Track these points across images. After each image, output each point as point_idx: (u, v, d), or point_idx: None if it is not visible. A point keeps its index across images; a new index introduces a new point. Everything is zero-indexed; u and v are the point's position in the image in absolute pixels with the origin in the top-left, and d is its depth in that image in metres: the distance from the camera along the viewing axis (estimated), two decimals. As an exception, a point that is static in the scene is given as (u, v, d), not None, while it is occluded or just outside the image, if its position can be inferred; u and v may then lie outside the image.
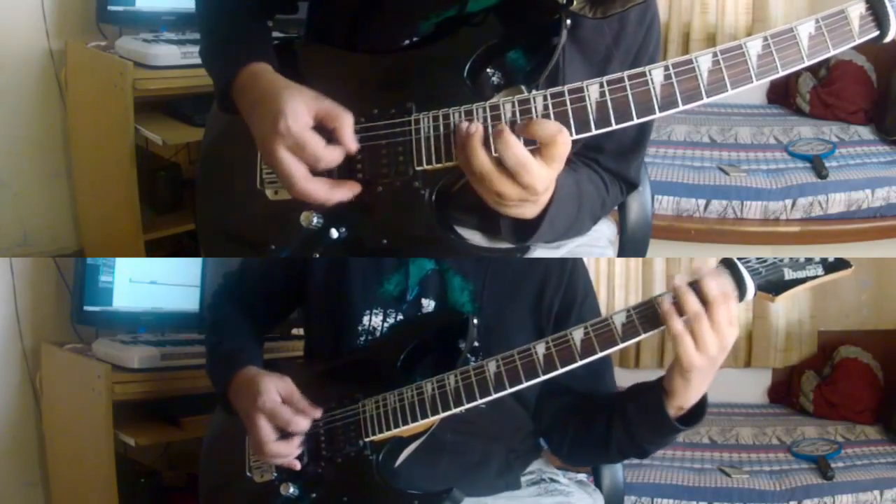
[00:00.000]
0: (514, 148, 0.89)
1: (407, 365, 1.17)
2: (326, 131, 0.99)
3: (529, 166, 0.89)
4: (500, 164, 0.91)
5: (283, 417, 1.14)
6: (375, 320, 1.23)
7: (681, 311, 1.01)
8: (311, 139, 0.98)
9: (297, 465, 1.17)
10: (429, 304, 1.23)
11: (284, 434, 1.15)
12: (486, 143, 0.92)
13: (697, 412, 1.11)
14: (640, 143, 1.24)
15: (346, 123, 0.99)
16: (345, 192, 1.01)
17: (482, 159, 0.91)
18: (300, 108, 0.98)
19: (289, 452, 1.16)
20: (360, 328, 1.23)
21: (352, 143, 0.99)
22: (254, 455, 1.22)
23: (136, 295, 2.22)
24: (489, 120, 0.95)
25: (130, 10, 2.44)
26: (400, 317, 1.23)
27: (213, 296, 1.44)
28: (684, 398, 1.09)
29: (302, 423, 1.15)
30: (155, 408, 2.08)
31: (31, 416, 2.23)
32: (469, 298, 1.23)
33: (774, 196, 2.58)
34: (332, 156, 0.99)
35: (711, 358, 1.02)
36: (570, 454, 1.29)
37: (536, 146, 0.90)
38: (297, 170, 0.98)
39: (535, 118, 0.92)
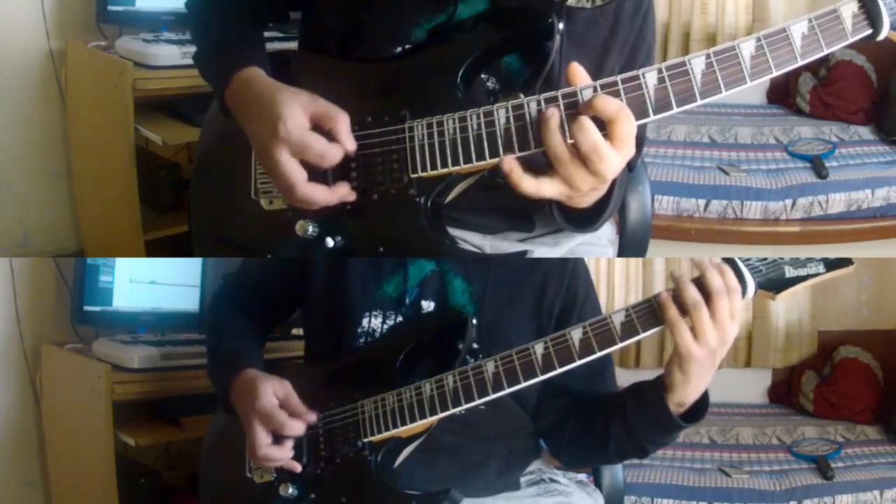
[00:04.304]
0: (591, 133, 0.88)
1: (406, 366, 1.17)
2: (323, 132, 0.99)
3: (603, 152, 0.88)
4: (574, 152, 0.90)
5: (277, 421, 1.14)
6: (375, 322, 1.23)
7: (680, 304, 1.02)
8: (313, 139, 0.98)
9: (298, 468, 1.17)
10: (428, 306, 1.23)
11: (279, 437, 1.15)
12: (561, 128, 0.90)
13: (699, 409, 1.11)
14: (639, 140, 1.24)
15: (342, 123, 0.99)
16: (342, 193, 1.01)
17: (558, 142, 0.90)
18: (297, 111, 0.98)
19: (281, 457, 1.15)
20: (359, 330, 1.23)
21: (349, 142, 0.99)
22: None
23: (136, 295, 2.22)
24: (483, 126, 0.95)
25: (130, 10, 2.44)
26: (399, 319, 1.23)
27: (214, 297, 1.44)
28: (683, 393, 1.09)
29: (296, 428, 1.15)
30: (155, 408, 2.08)
31: (31, 416, 2.23)
32: (469, 300, 1.22)
33: (774, 196, 2.58)
34: (335, 153, 0.99)
35: (710, 350, 1.02)
36: (569, 455, 1.29)
37: (605, 132, 0.89)
38: (298, 174, 0.98)
39: (599, 94, 0.90)
